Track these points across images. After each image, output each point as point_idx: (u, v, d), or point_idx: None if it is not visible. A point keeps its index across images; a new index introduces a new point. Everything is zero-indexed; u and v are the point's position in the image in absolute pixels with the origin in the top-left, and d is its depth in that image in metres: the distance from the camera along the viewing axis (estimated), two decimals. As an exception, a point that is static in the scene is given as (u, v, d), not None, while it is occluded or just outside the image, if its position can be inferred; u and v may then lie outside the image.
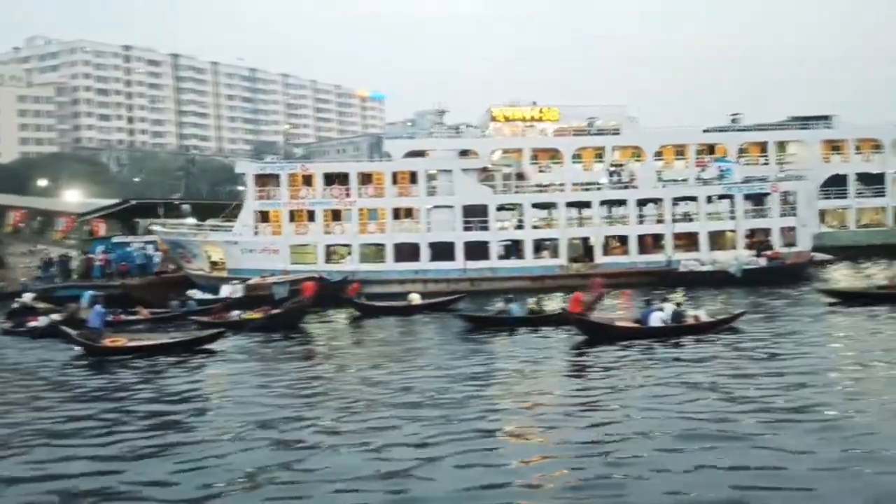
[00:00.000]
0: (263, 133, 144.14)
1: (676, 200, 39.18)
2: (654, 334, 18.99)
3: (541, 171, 46.48)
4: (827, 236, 47.70)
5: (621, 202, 39.01)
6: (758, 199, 39.38)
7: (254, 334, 22.91)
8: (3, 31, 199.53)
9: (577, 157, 47.98)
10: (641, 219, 39.23)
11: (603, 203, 39.22)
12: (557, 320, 21.18)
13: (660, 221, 38.57)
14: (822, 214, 48.72)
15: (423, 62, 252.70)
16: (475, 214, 37.14)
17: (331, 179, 37.37)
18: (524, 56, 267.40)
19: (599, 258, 37.77)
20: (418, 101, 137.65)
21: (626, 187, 39.38)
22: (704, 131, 51.23)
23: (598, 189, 40.37)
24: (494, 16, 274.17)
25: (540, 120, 53.50)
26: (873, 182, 49.00)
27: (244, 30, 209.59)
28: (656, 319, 19.59)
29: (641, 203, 39.16)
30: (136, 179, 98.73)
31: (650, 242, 38.61)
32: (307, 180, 36.99)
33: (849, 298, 24.56)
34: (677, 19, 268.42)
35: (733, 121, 50.74)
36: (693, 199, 38.94)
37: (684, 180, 42.61)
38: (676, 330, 19.26)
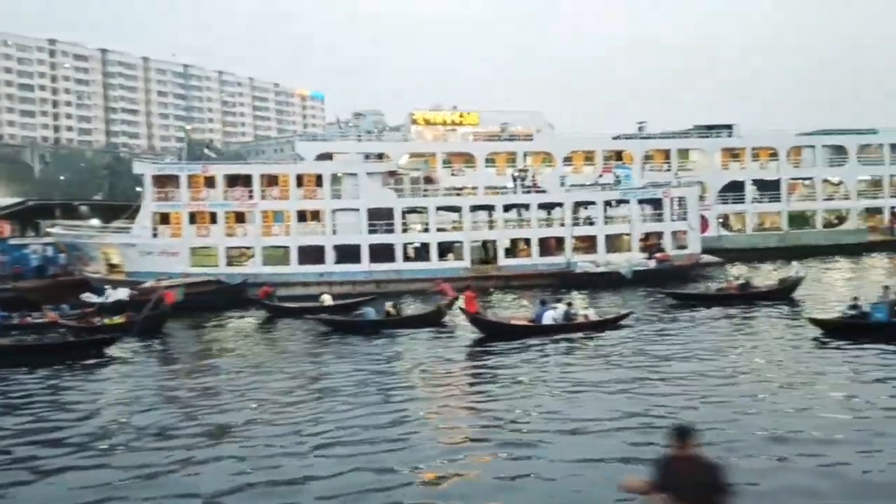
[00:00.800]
0: (198, 131, 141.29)
1: (578, 205, 40.41)
2: (547, 332, 20.19)
3: (453, 175, 47.19)
4: (726, 239, 49.94)
5: (524, 206, 39.94)
6: (656, 204, 40.93)
7: (131, 340, 22.75)
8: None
9: (490, 161, 48.86)
10: (550, 222, 40.27)
11: (506, 207, 40.10)
12: (414, 323, 22.04)
13: (561, 225, 39.74)
14: (727, 218, 51.03)
15: (424, 62, 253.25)
16: (381, 217, 37.54)
17: (234, 181, 37.21)
18: (524, 56, 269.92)
19: (502, 260, 38.68)
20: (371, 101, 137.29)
21: (528, 191, 40.35)
22: (614, 138, 52.93)
23: (504, 193, 41.38)
24: (494, 16, 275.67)
25: (460, 124, 54.44)
26: (769, 188, 51.40)
27: (213, 29, 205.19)
28: (548, 318, 20.78)
29: (544, 207, 40.23)
30: (62, 178, 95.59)
31: (554, 245, 39.69)
32: (209, 182, 36.74)
33: (688, 300, 26.74)
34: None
35: (640, 129, 52.48)
36: (592, 203, 40.21)
37: (592, 184, 43.79)
38: (567, 328, 20.49)
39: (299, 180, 37.67)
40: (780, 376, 14.53)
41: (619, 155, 50.37)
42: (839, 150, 52.41)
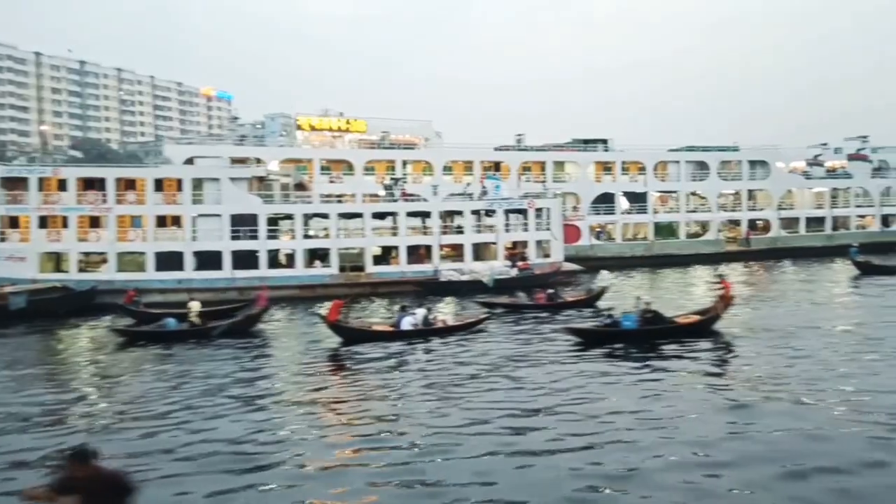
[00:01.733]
0: (93, 130, 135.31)
1: (446, 214, 41.07)
2: (406, 336, 20.95)
3: (331, 182, 47.07)
4: (598, 248, 51.99)
5: (392, 214, 40.25)
6: (524, 215, 42.08)
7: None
8: None
9: (369, 169, 49.00)
10: (420, 230, 40.72)
11: (377, 215, 40.30)
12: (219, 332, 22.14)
13: (429, 233, 40.25)
14: (604, 227, 53.06)
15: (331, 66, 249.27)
16: (245, 223, 37.02)
17: (89, 185, 35.90)
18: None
19: (370, 268, 38.86)
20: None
21: (397, 200, 40.71)
22: (496, 149, 54.12)
23: (379, 201, 41.58)
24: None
25: (347, 130, 54.44)
26: (638, 200, 53.82)
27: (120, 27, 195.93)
28: (408, 324, 21.56)
29: (415, 215, 40.68)
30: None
31: (423, 253, 40.18)
32: (61, 185, 35.31)
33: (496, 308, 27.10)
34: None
35: (518, 141, 53.88)
36: (460, 213, 40.98)
37: (461, 194, 44.54)
38: (426, 332, 21.34)
39: (159, 184, 36.74)
40: (541, 379, 15.48)
41: (497, 166, 51.59)
42: (702, 166, 55.44)
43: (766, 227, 56.49)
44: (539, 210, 41.99)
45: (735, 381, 14.77)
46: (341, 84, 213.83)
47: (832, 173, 60.55)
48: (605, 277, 28.51)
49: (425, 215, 40.56)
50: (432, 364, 17.74)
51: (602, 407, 13.01)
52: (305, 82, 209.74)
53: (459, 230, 40.76)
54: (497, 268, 38.61)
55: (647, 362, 16.60)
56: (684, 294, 33.92)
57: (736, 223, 55.92)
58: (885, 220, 59.96)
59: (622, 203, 53.37)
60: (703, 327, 19.44)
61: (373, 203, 40.68)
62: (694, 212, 55.56)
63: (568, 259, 48.94)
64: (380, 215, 40.35)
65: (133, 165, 41.26)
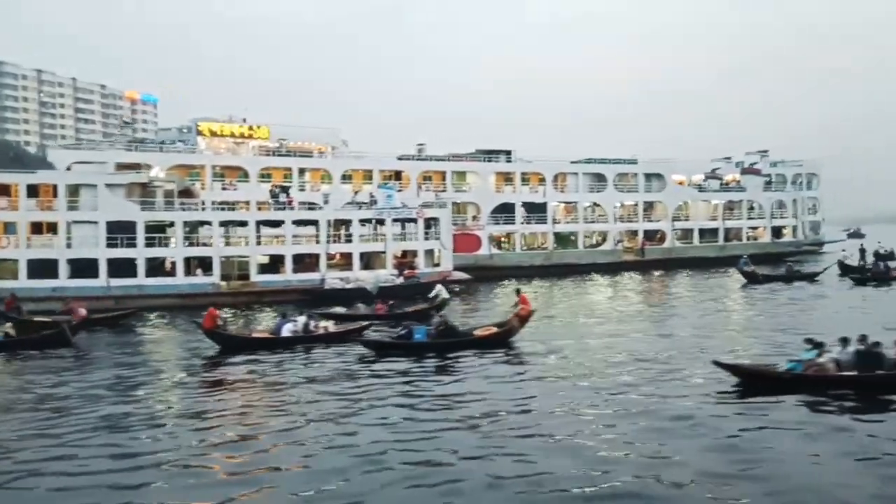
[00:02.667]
0: (11, 132, 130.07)
1: (338, 223, 41.05)
2: (286, 343, 21.16)
3: (224, 189, 46.50)
4: (498, 257, 52.81)
5: (278, 223, 40.02)
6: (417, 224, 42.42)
7: None
8: None
9: (265, 176, 48.59)
10: (307, 239, 40.58)
11: (263, 223, 39.96)
12: (35, 345, 21.71)
13: (317, 242, 40.19)
14: (509, 237, 53.97)
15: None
16: (123, 230, 36.23)
17: (-44, 190, 34.62)
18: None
19: (255, 276, 38.52)
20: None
21: (283, 208, 40.53)
22: (399, 158, 54.42)
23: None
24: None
25: (250, 137, 53.79)
26: (537, 210, 54.92)
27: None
28: (287, 331, 21.79)
29: (301, 224, 40.56)
30: None
31: (312, 262, 40.03)
32: (-77, 190, 33.95)
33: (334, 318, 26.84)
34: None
35: (419, 150, 54.32)
36: (349, 221, 41.05)
37: (350, 203, 44.46)
38: (307, 339, 21.55)
39: (34, 190, 35.68)
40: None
41: (398, 175, 51.91)
42: (600, 178, 57.00)
43: (662, 238, 58.42)
44: (429, 220, 42.44)
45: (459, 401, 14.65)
46: (275, 87, 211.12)
47: (726, 186, 63.06)
48: (441, 291, 28.78)
49: (313, 224, 40.48)
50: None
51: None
52: (242, 86, 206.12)
53: (349, 239, 40.81)
54: (383, 276, 38.84)
55: (423, 374, 16.93)
56: (581, 301, 34.83)
57: (634, 233, 57.65)
58: (778, 231, 62.80)
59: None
60: (499, 339, 19.98)
61: (258, 211, 40.34)
62: (592, 222, 57.03)
63: (466, 268, 49.68)
64: (269, 223, 40.11)
65: (9, 171, 39.83)
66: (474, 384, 15.69)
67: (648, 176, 58.58)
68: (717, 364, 15.42)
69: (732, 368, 15.23)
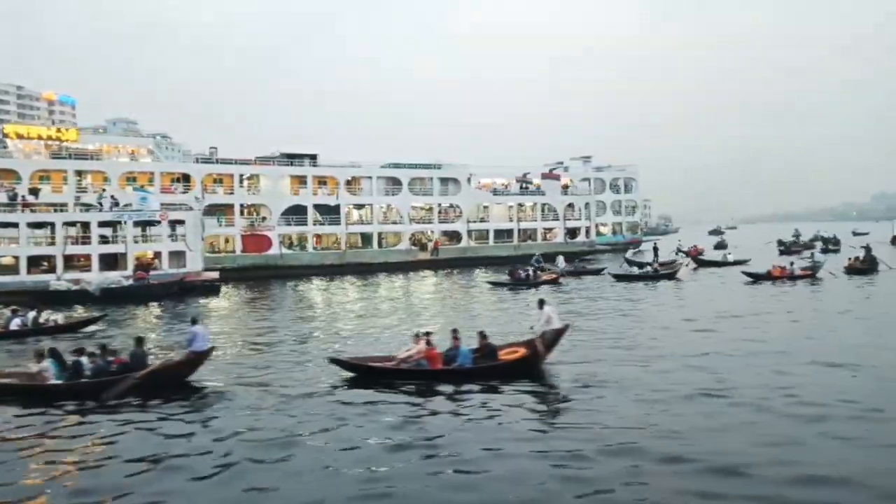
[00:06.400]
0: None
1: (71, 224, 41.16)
2: (15, 336, 22.14)
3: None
4: (289, 256, 53.40)
5: (14, 225, 40.01)
6: (168, 226, 42.74)
7: None
8: None
9: (45, 178, 48.43)
10: (67, 239, 40.50)
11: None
12: None
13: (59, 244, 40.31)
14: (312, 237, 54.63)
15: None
16: None
17: None
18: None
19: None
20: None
21: (21, 210, 40.55)
22: (196, 161, 54.66)
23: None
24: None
25: (59, 140, 53.51)
26: (331, 212, 55.66)
27: None
28: (15, 325, 22.91)
29: (37, 226, 40.63)
30: None
31: (52, 264, 40.03)
32: None
33: None
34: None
35: (210, 153, 54.66)
36: (87, 223, 41.22)
37: (91, 204, 44.24)
38: (36, 332, 22.61)
39: None
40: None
41: (186, 178, 52.14)
42: (395, 182, 57.90)
43: (459, 238, 59.59)
44: (176, 222, 42.80)
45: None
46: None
47: (526, 190, 64.41)
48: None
49: (50, 226, 40.63)
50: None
51: None
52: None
53: (86, 241, 41.00)
54: (111, 278, 39.04)
55: None
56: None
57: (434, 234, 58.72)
58: (573, 232, 64.40)
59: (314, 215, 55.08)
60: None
61: (-8, 214, 40.33)
62: (386, 223, 57.92)
63: (257, 268, 50.32)
64: (4, 225, 40.06)
65: None
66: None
67: (445, 180, 59.64)
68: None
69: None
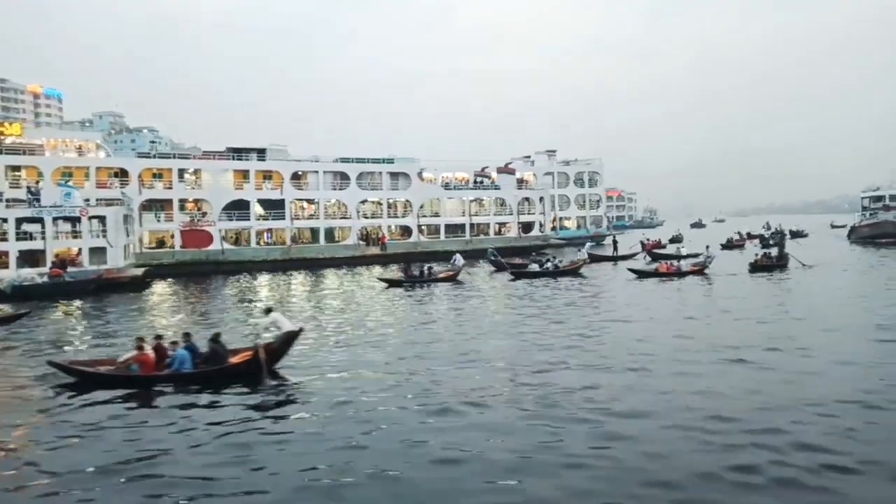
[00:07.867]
0: None
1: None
2: None
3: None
4: (231, 252, 52.03)
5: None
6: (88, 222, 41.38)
7: None
8: None
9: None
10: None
11: None
12: None
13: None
14: (256, 233, 53.26)
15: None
16: None
17: None
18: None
19: None
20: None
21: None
22: (140, 156, 53.25)
23: None
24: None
25: (2, 134, 52.30)
26: (277, 207, 54.22)
27: None
28: None
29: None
30: None
31: (-26, 260, 38.85)
32: None
33: None
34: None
35: (151, 148, 53.27)
36: (4, 220, 39.95)
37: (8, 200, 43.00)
38: None
39: None
40: None
41: (124, 172, 50.72)
42: (344, 177, 56.39)
43: (409, 233, 58.10)
44: (97, 218, 41.46)
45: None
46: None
47: (480, 185, 62.79)
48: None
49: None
50: None
51: None
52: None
53: (3, 238, 39.72)
54: (24, 275, 37.78)
55: None
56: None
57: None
58: (527, 227, 62.79)
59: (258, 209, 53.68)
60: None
61: None
62: (334, 219, 56.48)
63: (198, 263, 48.98)
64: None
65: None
66: None
67: (395, 175, 58.10)
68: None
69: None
